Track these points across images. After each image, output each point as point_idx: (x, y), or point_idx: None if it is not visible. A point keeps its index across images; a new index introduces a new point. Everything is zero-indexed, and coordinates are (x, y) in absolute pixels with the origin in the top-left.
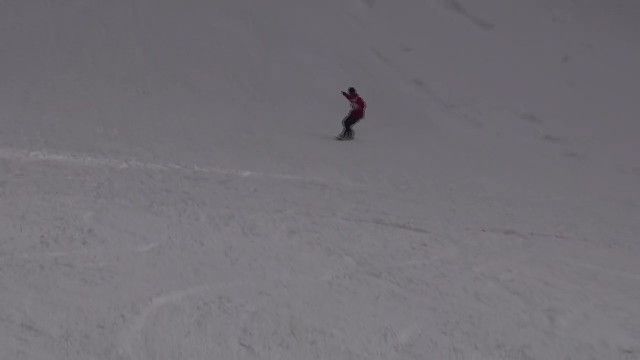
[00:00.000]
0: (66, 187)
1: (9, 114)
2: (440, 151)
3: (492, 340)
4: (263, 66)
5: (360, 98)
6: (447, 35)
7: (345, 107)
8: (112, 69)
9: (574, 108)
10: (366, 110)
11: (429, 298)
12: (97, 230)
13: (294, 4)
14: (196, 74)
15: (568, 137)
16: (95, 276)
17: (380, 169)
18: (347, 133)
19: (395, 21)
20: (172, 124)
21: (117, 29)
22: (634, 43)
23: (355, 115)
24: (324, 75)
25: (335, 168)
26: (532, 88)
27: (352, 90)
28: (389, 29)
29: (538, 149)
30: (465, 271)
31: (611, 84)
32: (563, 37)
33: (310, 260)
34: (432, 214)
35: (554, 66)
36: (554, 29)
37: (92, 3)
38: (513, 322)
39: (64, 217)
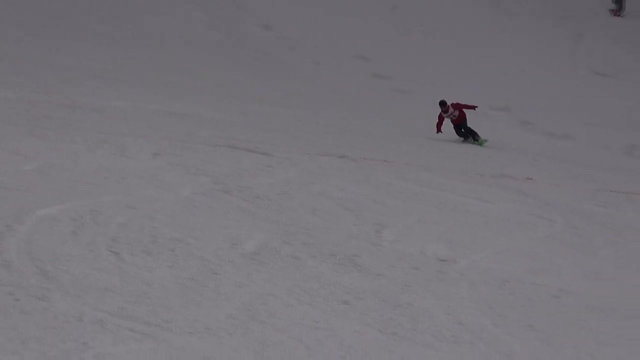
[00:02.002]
0: None
1: None
2: (285, 86)
3: (327, 249)
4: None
5: (454, 103)
6: None
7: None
8: None
9: (401, 50)
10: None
11: (273, 212)
12: None
13: None
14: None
15: (395, 75)
16: None
17: (234, 103)
18: (473, 135)
19: None
20: (58, 60)
21: None
22: None
23: (458, 122)
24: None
25: (196, 99)
26: (364, 32)
27: (443, 103)
28: None
29: (369, 85)
30: (304, 190)
31: (434, 30)
32: None
33: (171, 179)
34: (277, 140)
35: (384, 13)
36: None
37: None
38: (344, 234)
39: None
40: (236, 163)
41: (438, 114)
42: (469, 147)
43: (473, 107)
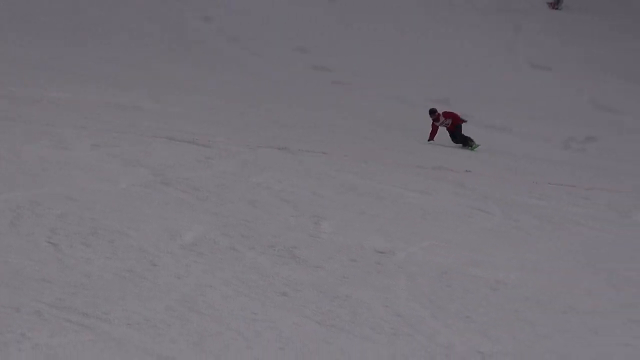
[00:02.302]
0: None
1: None
2: (225, 78)
3: (265, 241)
4: None
5: (446, 112)
6: None
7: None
8: None
9: (341, 42)
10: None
11: (212, 204)
12: None
13: None
14: None
15: (335, 67)
16: None
17: (174, 95)
18: (468, 141)
19: None
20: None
21: None
22: None
23: (456, 126)
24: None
25: (136, 91)
26: (304, 24)
27: (433, 112)
28: None
29: (309, 77)
30: (243, 181)
31: (374, 22)
32: None
33: (110, 170)
34: (216, 132)
35: (324, 5)
36: None
37: None
38: (283, 226)
39: None
40: (175, 155)
41: (432, 124)
42: (408, 139)
43: (463, 121)
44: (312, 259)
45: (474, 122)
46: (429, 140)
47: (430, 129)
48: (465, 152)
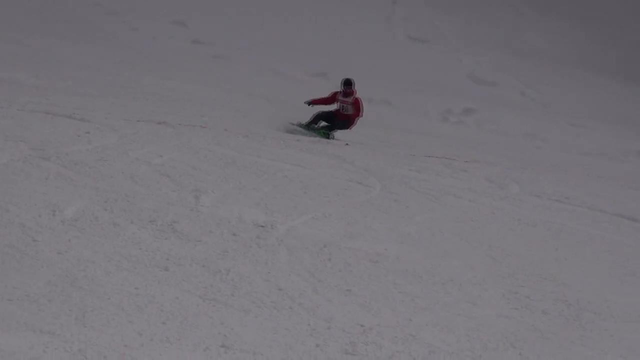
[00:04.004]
0: None
1: None
2: (104, 53)
3: (146, 216)
4: None
5: (358, 99)
6: None
7: None
8: None
9: (220, 17)
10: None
11: (92, 179)
12: None
13: None
14: None
15: (214, 41)
16: None
17: (53, 69)
18: (311, 126)
19: None
20: None
21: None
22: None
23: (343, 119)
24: None
25: (14, 66)
26: None
27: (348, 82)
28: None
29: (188, 51)
30: (123, 156)
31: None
32: None
33: None
34: (96, 106)
35: None
36: None
37: None
38: (164, 201)
39: None
40: (55, 129)
41: (334, 91)
42: (287, 113)
43: (354, 122)
44: (192, 234)
45: None
46: (310, 103)
47: (324, 95)
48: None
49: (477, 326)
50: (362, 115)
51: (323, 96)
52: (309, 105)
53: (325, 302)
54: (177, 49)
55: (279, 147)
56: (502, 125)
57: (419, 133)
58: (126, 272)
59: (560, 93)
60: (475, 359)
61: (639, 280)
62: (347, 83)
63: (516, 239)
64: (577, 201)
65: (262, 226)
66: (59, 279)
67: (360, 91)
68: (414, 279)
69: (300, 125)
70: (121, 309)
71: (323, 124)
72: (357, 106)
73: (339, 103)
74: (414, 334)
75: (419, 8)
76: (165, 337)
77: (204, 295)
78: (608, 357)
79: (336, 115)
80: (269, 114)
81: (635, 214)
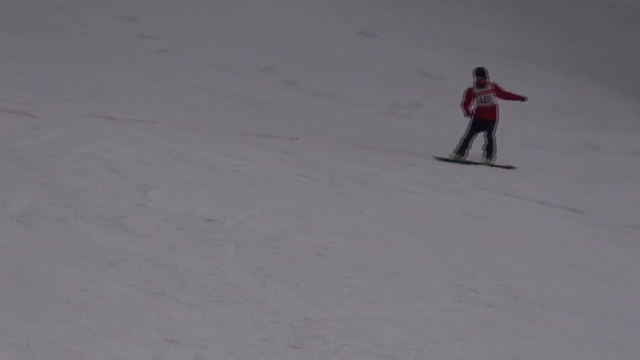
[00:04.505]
0: None
1: None
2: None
3: (93, 211)
4: None
5: (494, 83)
6: None
7: None
8: None
9: (166, 11)
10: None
11: (38, 174)
12: None
13: None
14: None
15: (161, 36)
16: None
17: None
18: (489, 151)
19: None
20: None
21: None
22: None
23: (489, 116)
24: None
25: None
26: None
27: (481, 72)
28: None
29: (134, 46)
30: (70, 151)
31: None
32: None
33: None
34: (43, 101)
35: None
36: None
37: None
38: (111, 196)
39: None
40: (2, 125)
41: (467, 88)
42: (235, 107)
43: (521, 98)
44: (139, 228)
45: (298, 89)
46: (467, 115)
47: (463, 98)
48: (291, 119)
49: (423, 319)
50: (511, 94)
51: (463, 101)
52: (469, 116)
53: (272, 296)
54: (126, 43)
55: (227, 141)
56: (449, 119)
57: (366, 127)
58: (73, 268)
59: (508, 86)
60: (420, 352)
61: (584, 272)
62: (481, 73)
63: (463, 232)
64: (524, 194)
65: (209, 220)
66: (5, 274)
67: (308, 85)
68: (361, 273)
69: (455, 158)
70: (68, 304)
71: (481, 133)
72: (498, 91)
73: (476, 98)
74: (360, 328)
75: (367, 2)
76: (111, 332)
77: (151, 290)
78: (554, 348)
79: (477, 116)
80: (216, 108)
81: (581, 207)
